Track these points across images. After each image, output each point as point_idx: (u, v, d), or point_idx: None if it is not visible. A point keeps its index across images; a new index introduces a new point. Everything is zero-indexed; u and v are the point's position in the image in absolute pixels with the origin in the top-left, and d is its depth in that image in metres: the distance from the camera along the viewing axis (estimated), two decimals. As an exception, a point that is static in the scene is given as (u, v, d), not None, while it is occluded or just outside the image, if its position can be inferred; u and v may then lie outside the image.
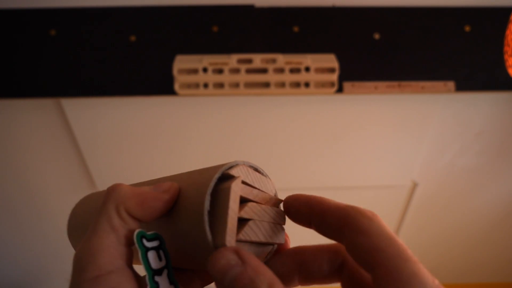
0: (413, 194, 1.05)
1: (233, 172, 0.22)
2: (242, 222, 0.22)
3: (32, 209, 1.05)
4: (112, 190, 0.23)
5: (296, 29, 0.77)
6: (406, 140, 0.92)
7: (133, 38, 0.77)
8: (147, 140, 0.90)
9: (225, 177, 0.23)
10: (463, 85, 0.79)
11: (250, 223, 0.22)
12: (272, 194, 0.25)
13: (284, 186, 0.99)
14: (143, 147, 0.91)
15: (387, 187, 1.02)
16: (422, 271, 0.18)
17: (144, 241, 0.22)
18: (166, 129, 0.88)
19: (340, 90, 0.77)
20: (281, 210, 0.25)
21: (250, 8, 0.76)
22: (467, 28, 0.78)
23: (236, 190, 0.22)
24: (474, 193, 1.07)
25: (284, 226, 0.25)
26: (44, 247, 1.14)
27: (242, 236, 0.22)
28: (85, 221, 0.31)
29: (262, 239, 0.23)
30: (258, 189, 0.24)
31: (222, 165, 0.23)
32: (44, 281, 1.24)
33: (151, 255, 0.22)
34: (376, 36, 0.78)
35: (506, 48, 0.64)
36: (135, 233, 0.22)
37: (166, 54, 0.77)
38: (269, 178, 0.25)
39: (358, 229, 0.20)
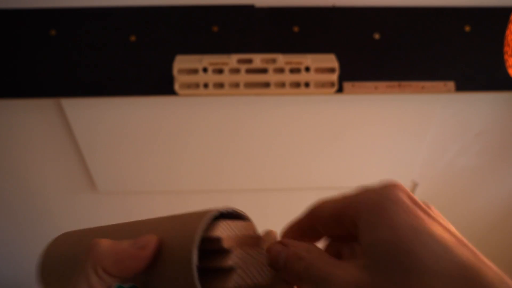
0: (413, 194, 1.05)
1: (215, 232, 0.24)
2: (230, 270, 0.24)
3: (32, 209, 1.05)
4: (91, 248, 0.24)
5: (296, 29, 0.77)
6: (406, 140, 0.92)
7: (133, 38, 0.77)
8: (147, 140, 0.90)
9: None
10: (463, 85, 0.79)
11: (239, 270, 0.24)
12: (253, 234, 0.27)
13: (284, 186, 0.99)
14: (143, 147, 0.91)
15: (387, 187, 1.02)
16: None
17: None
18: (166, 129, 0.88)
19: (340, 90, 0.77)
20: (263, 250, 0.27)
21: (250, 8, 0.76)
22: (467, 28, 0.78)
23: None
24: (474, 193, 1.07)
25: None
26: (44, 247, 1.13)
27: (230, 284, 0.24)
28: (62, 268, 0.32)
29: (249, 282, 0.25)
30: (241, 235, 0.26)
31: (204, 217, 0.24)
32: (44, 281, 1.24)
33: None
34: (376, 36, 0.78)
35: (506, 48, 0.64)
36: (113, 287, 0.24)
37: (166, 54, 0.77)
38: (249, 220, 0.27)
39: (319, 207, 0.25)
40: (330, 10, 0.77)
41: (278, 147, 0.92)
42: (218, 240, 0.24)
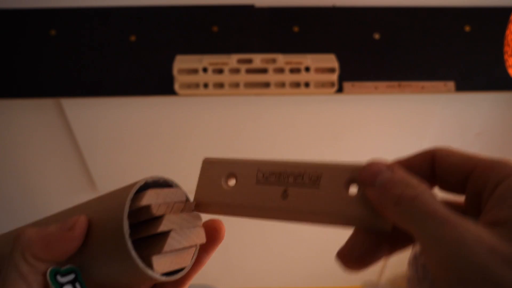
0: None
1: (143, 201, 0.24)
2: (163, 234, 0.24)
3: (32, 209, 1.05)
4: (17, 237, 0.23)
5: (296, 29, 0.77)
6: (406, 140, 0.92)
7: (133, 38, 0.77)
8: (147, 140, 0.90)
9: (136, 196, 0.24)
10: (463, 85, 0.79)
11: (172, 233, 0.24)
12: (183, 200, 0.27)
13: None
14: (143, 147, 0.91)
15: (387, 187, 1.02)
16: None
17: (59, 277, 0.23)
18: (166, 129, 0.88)
19: (340, 90, 0.77)
20: (196, 213, 0.27)
21: (250, 8, 0.76)
22: (467, 28, 0.78)
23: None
24: (474, 193, 1.07)
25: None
26: None
27: (167, 248, 0.24)
28: None
29: (185, 244, 0.25)
30: (171, 202, 0.25)
31: (131, 188, 0.24)
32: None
33: None
34: (376, 36, 0.78)
35: (506, 48, 0.64)
36: (48, 271, 0.23)
37: (166, 54, 0.77)
38: (178, 186, 0.27)
39: (443, 154, 0.22)
40: (330, 10, 0.77)
41: (278, 147, 0.92)
42: (147, 207, 0.24)
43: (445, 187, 0.23)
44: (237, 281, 1.21)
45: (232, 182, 0.27)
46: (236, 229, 1.13)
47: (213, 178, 0.27)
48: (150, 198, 0.24)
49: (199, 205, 0.27)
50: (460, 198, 0.22)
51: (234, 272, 1.20)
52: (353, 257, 0.22)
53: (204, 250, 0.28)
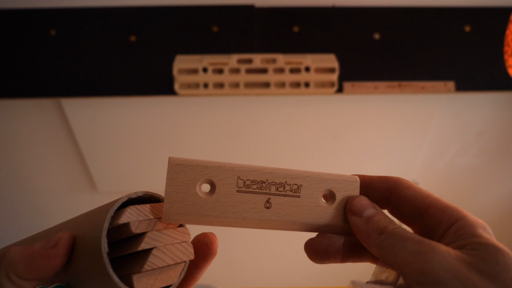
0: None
1: (121, 219, 0.23)
2: (146, 252, 0.23)
3: (32, 209, 1.05)
4: (1, 257, 0.23)
5: (296, 29, 0.77)
6: (406, 140, 0.92)
7: (133, 38, 0.77)
8: (147, 140, 0.90)
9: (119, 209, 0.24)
10: (463, 85, 0.79)
11: (154, 251, 0.23)
12: None
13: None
14: (143, 147, 0.91)
15: (387, 187, 1.02)
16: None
17: None
18: (166, 129, 0.88)
19: (340, 90, 0.77)
20: (183, 228, 0.26)
21: (250, 8, 0.76)
22: (467, 28, 0.78)
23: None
24: (474, 193, 1.07)
25: None
26: None
27: (149, 266, 0.23)
28: None
29: (170, 262, 0.24)
30: (154, 219, 0.24)
31: (112, 205, 0.23)
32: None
33: None
34: (376, 36, 0.78)
35: (506, 48, 0.64)
36: None
37: (166, 54, 0.77)
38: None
39: (404, 186, 0.26)
40: (330, 10, 0.77)
41: (278, 147, 0.92)
42: (126, 225, 0.23)
43: (396, 214, 0.27)
44: (237, 281, 1.21)
45: (207, 188, 0.26)
46: (236, 229, 1.13)
47: (187, 185, 0.25)
48: (129, 215, 0.23)
49: (170, 216, 0.24)
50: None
51: (234, 272, 1.20)
52: (318, 251, 0.26)
53: (195, 266, 0.26)
